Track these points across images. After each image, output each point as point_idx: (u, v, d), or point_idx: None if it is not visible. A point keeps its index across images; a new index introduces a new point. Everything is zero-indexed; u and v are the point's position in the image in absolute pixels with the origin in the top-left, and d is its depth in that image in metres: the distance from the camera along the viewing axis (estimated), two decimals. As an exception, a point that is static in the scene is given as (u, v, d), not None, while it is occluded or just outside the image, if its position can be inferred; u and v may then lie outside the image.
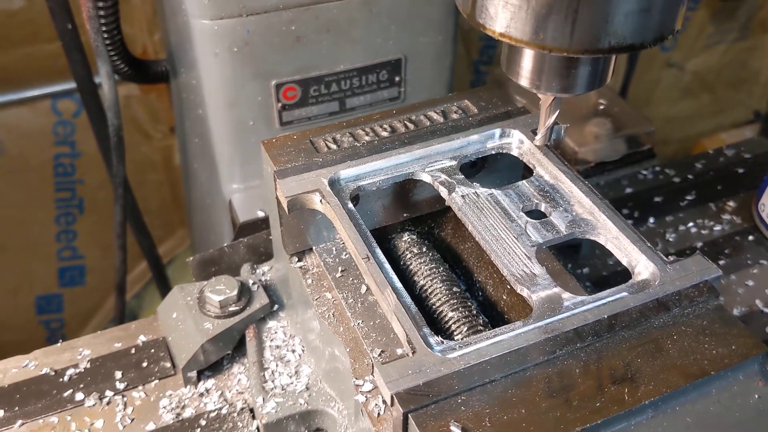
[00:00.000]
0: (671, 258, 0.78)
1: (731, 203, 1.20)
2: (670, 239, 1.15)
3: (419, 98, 1.33)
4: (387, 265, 0.78)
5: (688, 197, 1.22)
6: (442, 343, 0.72)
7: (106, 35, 1.34)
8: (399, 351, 0.79)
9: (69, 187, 2.30)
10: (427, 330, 0.73)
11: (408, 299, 0.75)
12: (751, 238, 1.15)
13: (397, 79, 1.29)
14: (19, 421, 0.93)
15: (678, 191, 1.22)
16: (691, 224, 1.17)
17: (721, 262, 1.11)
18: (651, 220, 1.18)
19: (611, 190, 1.23)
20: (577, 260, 1.10)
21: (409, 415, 0.66)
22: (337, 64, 1.24)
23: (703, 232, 1.16)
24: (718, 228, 1.16)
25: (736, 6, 2.52)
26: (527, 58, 0.70)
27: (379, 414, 0.76)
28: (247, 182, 1.30)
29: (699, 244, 1.14)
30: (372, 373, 0.77)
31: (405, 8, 1.23)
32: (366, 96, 1.29)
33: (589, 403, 0.66)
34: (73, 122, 2.19)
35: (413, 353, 0.70)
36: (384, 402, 0.75)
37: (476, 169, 0.98)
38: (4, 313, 2.34)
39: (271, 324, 1.02)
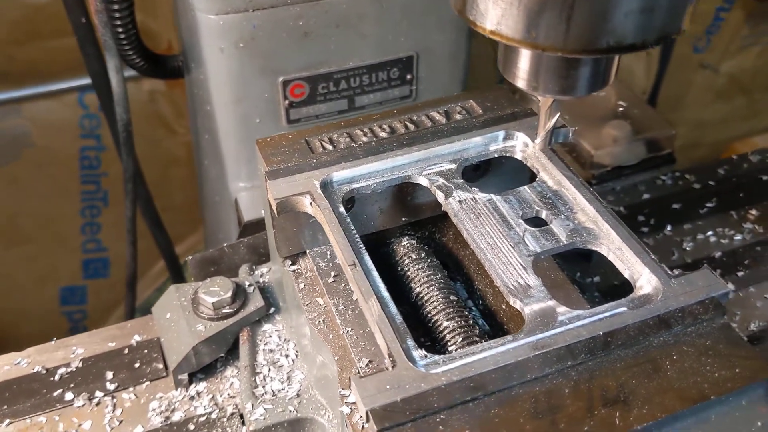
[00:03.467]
0: (676, 272, 0.73)
1: (753, 212, 1.14)
2: (687, 248, 1.10)
3: (432, 97, 1.29)
4: (374, 273, 0.75)
5: (709, 204, 1.16)
6: (426, 357, 0.68)
7: (120, 30, 1.33)
8: (386, 361, 0.76)
9: (94, 180, 2.32)
10: (411, 342, 0.69)
11: (393, 309, 0.72)
12: (773, 249, 1.09)
13: (408, 76, 1.25)
14: (7, 420, 0.92)
15: (698, 198, 1.17)
16: (710, 233, 1.11)
17: (740, 274, 1.05)
18: (668, 227, 1.13)
19: (627, 196, 1.18)
20: (588, 269, 1.05)
21: (384, 433, 0.63)
22: (347, 61, 1.21)
23: (722, 241, 1.10)
24: (738, 237, 1.11)
25: (772, 8, 2.44)
26: (523, 58, 0.66)
27: (363, 426, 0.73)
28: (253, 181, 1.28)
29: (717, 254, 1.08)
30: (349, 387, 0.74)
31: (417, 4, 1.19)
32: (376, 94, 1.25)
33: (577, 426, 0.62)
34: (99, 116, 2.20)
35: (393, 367, 0.67)
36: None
37: (480, 172, 0.94)
38: (28, 303, 2.37)
39: (266, 327, 1.00)
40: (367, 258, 0.77)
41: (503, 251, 0.77)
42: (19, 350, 1.01)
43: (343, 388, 0.77)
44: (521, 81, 0.68)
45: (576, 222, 0.80)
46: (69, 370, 0.98)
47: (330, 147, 0.88)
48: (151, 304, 1.03)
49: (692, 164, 1.26)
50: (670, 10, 0.58)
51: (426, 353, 0.69)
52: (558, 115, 0.75)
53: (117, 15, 1.31)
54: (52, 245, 2.33)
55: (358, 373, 0.76)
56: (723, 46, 2.51)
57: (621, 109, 1.25)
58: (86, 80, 2.14)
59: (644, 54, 2.37)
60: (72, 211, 2.32)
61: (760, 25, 2.50)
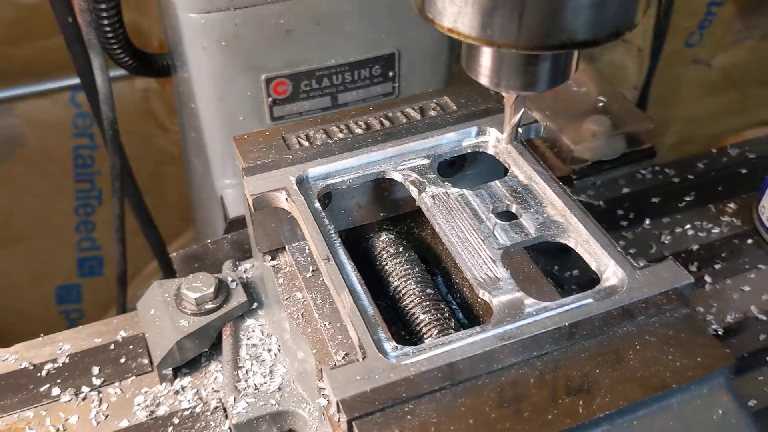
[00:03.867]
0: (641, 263, 0.75)
1: (731, 205, 1.16)
2: (666, 241, 1.11)
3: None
4: (348, 267, 0.77)
5: (687, 198, 1.17)
6: (397, 348, 0.70)
7: (108, 29, 1.34)
8: (358, 353, 0.77)
9: (88, 178, 2.33)
10: (382, 334, 0.71)
11: (366, 302, 0.73)
12: (750, 241, 1.10)
13: (390, 74, 1.27)
14: (-5, 416, 0.93)
15: (677, 192, 1.18)
16: (688, 226, 1.13)
17: (717, 266, 1.07)
18: (647, 221, 1.14)
19: (607, 190, 1.19)
20: (567, 262, 1.06)
21: (353, 423, 0.64)
22: (329, 58, 1.22)
23: (700, 234, 1.12)
24: (716, 230, 1.12)
25: (764, 1, 2.44)
26: (484, 56, 0.67)
27: (339, 419, 0.75)
28: (238, 178, 1.28)
29: (695, 247, 1.10)
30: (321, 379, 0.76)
31: (399, 1, 1.20)
32: (359, 91, 1.27)
33: (541, 414, 0.64)
34: (92, 114, 2.21)
35: (364, 358, 0.68)
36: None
37: (455, 167, 0.96)
38: (25, 302, 2.38)
39: (249, 322, 1.01)
40: (341, 252, 0.78)
41: (473, 244, 0.78)
42: (17, 350, 1.02)
43: (320, 381, 0.78)
44: (484, 78, 0.69)
45: (545, 216, 0.81)
46: (56, 365, 0.99)
47: (306, 143, 0.90)
48: (146, 303, 1.05)
49: (674, 158, 1.27)
50: (621, 5, 0.60)
51: (397, 345, 0.70)
52: (523, 110, 0.77)
53: (104, 15, 1.32)
54: (47, 244, 2.34)
55: (335, 365, 0.78)
56: (715, 41, 2.52)
57: (601, 104, 1.26)
58: (78, 79, 2.16)
59: (635, 49, 2.37)
60: (66, 209, 2.33)
61: (752, 20, 2.50)
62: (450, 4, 0.60)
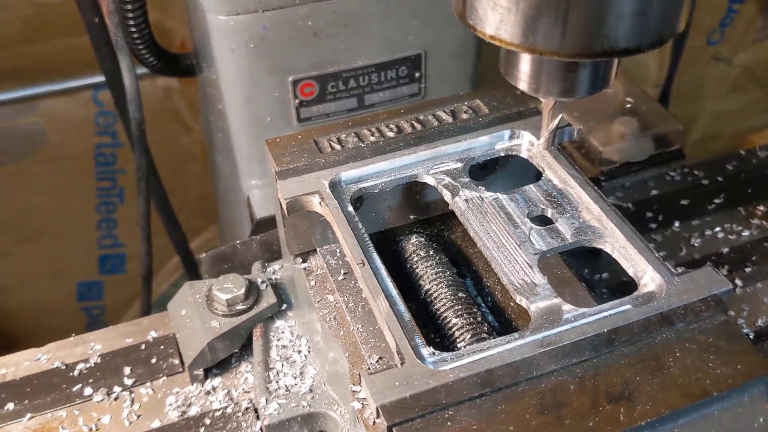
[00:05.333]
0: (680, 270, 0.75)
1: (762, 207, 1.15)
2: (695, 244, 1.10)
3: (441, 94, 1.29)
4: (383, 271, 0.77)
5: (717, 200, 1.16)
6: (434, 354, 0.70)
7: (134, 29, 1.35)
8: (395, 359, 0.77)
9: (110, 176, 2.34)
10: (419, 340, 0.71)
11: (401, 307, 0.73)
12: (781, 244, 1.10)
13: (417, 74, 1.27)
14: (28, 415, 0.94)
15: (706, 194, 1.17)
16: (718, 229, 1.12)
17: (748, 270, 1.06)
18: (676, 224, 1.13)
19: (636, 192, 1.19)
20: (597, 265, 1.06)
21: (393, 429, 0.64)
22: (356, 60, 1.22)
23: (730, 237, 1.11)
24: (746, 233, 1.11)
25: (787, -1, 2.42)
26: (524, 62, 0.67)
27: (374, 422, 0.75)
28: (265, 179, 1.30)
29: (725, 250, 1.09)
30: (360, 383, 0.76)
31: (424, 2, 1.20)
32: (385, 92, 1.27)
33: (582, 421, 0.64)
34: (114, 112, 2.21)
35: (402, 364, 0.68)
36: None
37: (487, 170, 0.96)
38: (46, 298, 2.40)
39: (279, 323, 1.01)
40: (375, 256, 0.79)
41: (509, 249, 0.78)
42: (38, 345, 1.03)
43: (353, 384, 0.78)
44: (523, 83, 0.69)
45: (581, 220, 0.81)
46: (88, 365, 1.00)
47: (338, 147, 0.90)
48: (166, 299, 1.05)
49: (703, 159, 1.26)
50: (664, 13, 0.59)
51: (434, 350, 0.70)
52: (561, 116, 0.76)
53: (130, 15, 1.33)
54: (69, 241, 2.35)
55: (369, 369, 0.78)
56: (737, 39, 2.50)
57: (629, 105, 1.26)
58: (100, 78, 2.16)
59: (656, 47, 2.35)
60: (88, 207, 2.34)
61: (774, 17, 2.48)
62: (492, 12, 0.60)
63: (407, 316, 0.73)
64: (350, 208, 0.83)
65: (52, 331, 1.13)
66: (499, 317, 0.92)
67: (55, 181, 2.24)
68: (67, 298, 2.45)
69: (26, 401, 0.96)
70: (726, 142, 2.67)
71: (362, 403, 0.76)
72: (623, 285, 1.05)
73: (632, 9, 0.57)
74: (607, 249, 0.78)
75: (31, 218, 2.27)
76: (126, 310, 2.51)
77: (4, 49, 2.02)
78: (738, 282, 1.05)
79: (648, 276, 0.75)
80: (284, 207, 0.83)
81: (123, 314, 2.51)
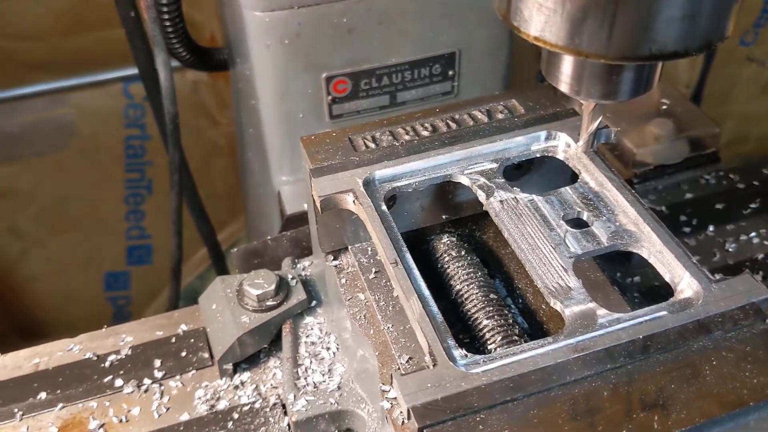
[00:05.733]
0: (717, 276, 0.73)
1: (799, 213, 1.13)
2: (730, 249, 1.09)
3: (473, 93, 1.29)
4: (416, 272, 0.77)
5: (753, 205, 1.15)
6: (466, 356, 0.70)
7: (168, 23, 1.36)
8: (426, 359, 0.77)
9: (138, 168, 2.36)
10: (451, 342, 0.71)
11: (434, 308, 0.73)
12: (818, 251, 1.08)
13: (450, 73, 1.26)
14: (60, 404, 0.95)
15: (742, 198, 1.16)
16: (753, 234, 1.10)
17: (782, 277, 1.05)
18: (710, 228, 1.12)
19: (670, 195, 1.18)
20: (628, 268, 1.05)
21: (424, 431, 0.64)
22: (389, 57, 1.22)
23: (766, 242, 1.09)
24: (782, 239, 1.10)
25: (822, 1, 2.38)
26: (566, 63, 0.66)
27: (403, 422, 0.75)
28: (296, 174, 1.30)
29: (760, 256, 1.08)
30: (391, 383, 0.76)
31: (460, 1, 1.19)
32: (418, 90, 1.26)
33: (615, 428, 0.63)
34: (144, 105, 2.24)
35: (434, 366, 0.68)
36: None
37: (522, 171, 0.95)
38: (74, 286, 2.43)
39: (308, 320, 1.02)
40: (408, 256, 0.78)
41: (544, 252, 0.78)
42: (65, 333, 1.04)
43: (383, 384, 0.78)
44: (564, 85, 0.68)
45: (617, 224, 0.80)
46: (119, 357, 1.01)
47: (373, 145, 0.90)
48: (193, 290, 1.06)
49: (738, 162, 1.24)
50: (713, 17, 0.58)
51: (466, 353, 0.70)
52: (600, 118, 0.75)
53: (165, 9, 1.34)
54: (97, 231, 2.38)
55: (399, 369, 0.78)
56: (771, 40, 2.47)
57: (664, 107, 1.24)
58: (131, 70, 2.17)
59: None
60: (116, 198, 2.37)
61: (808, 18, 2.44)
62: (537, 13, 0.59)
63: (440, 317, 0.72)
64: (384, 207, 0.83)
65: (78, 320, 1.14)
66: (530, 319, 0.92)
67: (87, 172, 2.27)
68: (95, 288, 2.48)
69: (58, 391, 0.97)
70: (754, 145, 2.64)
71: (391, 403, 0.76)
72: (655, 289, 1.04)
73: (682, 12, 0.56)
74: (644, 254, 0.78)
75: (65, 208, 2.31)
76: (152, 301, 2.54)
77: (40, 41, 2.04)
78: (774, 289, 1.03)
79: (685, 282, 0.74)
80: (318, 204, 0.84)
81: (149, 305, 2.53)
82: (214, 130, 2.35)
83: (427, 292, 0.74)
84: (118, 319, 2.59)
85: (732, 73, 2.51)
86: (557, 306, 0.73)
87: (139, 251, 2.49)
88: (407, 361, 0.78)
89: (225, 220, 2.46)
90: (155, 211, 2.41)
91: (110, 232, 2.40)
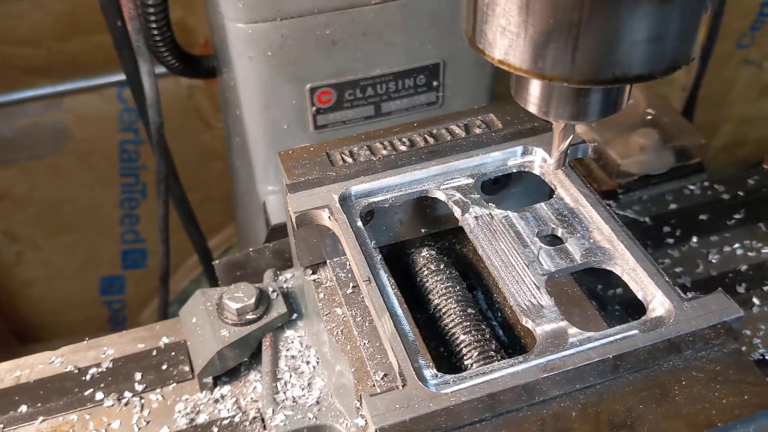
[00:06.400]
0: (690, 294, 0.73)
1: (783, 224, 1.13)
2: (713, 260, 1.09)
3: (458, 103, 1.29)
4: (389, 289, 0.77)
5: (737, 216, 1.14)
6: (437, 376, 0.70)
7: (156, 31, 1.36)
8: (398, 381, 0.77)
9: (133, 172, 2.36)
10: (423, 361, 0.71)
11: (406, 327, 0.73)
12: (802, 263, 1.08)
13: (435, 83, 1.26)
14: (41, 418, 0.95)
15: (726, 209, 1.15)
16: (737, 245, 1.10)
17: (766, 288, 1.04)
18: (694, 239, 1.12)
19: (654, 206, 1.17)
20: (610, 280, 1.05)
21: (392, 452, 0.64)
22: (374, 68, 1.22)
23: (749, 254, 1.09)
24: (765, 250, 1.09)
25: (819, 3, 2.37)
26: (533, 85, 0.66)
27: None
28: (281, 185, 1.30)
29: (743, 267, 1.07)
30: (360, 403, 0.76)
31: (444, 12, 1.19)
32: (403, 100, 1.26)
33: (583, 450, 0.63)
34: (139, 115, 2.24)
35: (404, 386, 0.68)
36: (378, 430, 0.74)
37: (500, 185, 0.95)
38: (69, 291, 2.43)
39: (289, 333, 1.01)
40: (382, 273, 0.78)
41: (517, 269, 0.78)
42: (60, 338, 1.04)
43: (358, 400, 0.78)
44: (533, 106, 0.68)
45: (591, 241, 0.80)
46: (100, 370, 1.01)
47: (350, 160, 0.90)
48: (187, 295, 1.06)
49: (724, 174, 1.24)
50: (678, 40, 0.58)
51: (437, 372, 0.70)
52: (571, 137, 0.75)
53: (152, 18, 1.33)
54: (92, 235, 2.39)
55: (374, 385, 0.78)
56: (767, 42, 2.46)
57: (649, 117, 1.24)
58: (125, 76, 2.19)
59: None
60: (111, 202, 2.37)
61: (805, 21, 2.43)
62: (501, 37, 0.59)
63: (412, 336, 0.72)
64: (359, 224, 0.83)
65: (75, 325, 1.14)
66: (509, 333, 0.91)
67: (82, 176, 2.27)
68: (90, 292, 2.48)
69: (39, 404, 0.97)
70: (751, 148, 2.63)
71: (365, 420, 0.76)
72: (636, 301, 1.03)
73: (646, 35, 0.56)
74: (617, 271, 0.77)
75: (61, 212, 2.31)
76: (146, 305, 2.54)
77: (36, 45, 2.05)
78: (756, 300, 1.03)
79: (657, 300, 0.74)
80: (293, 221, 0.84)
81: (143, 309, 2.54)
82: (210, 134, 2.35)
83: (399, 311, 0.75)
84: (113, 323, 2.60)
85: (729, 75, 2.50)
86: (529, 324, 0.73)
87: (133, 255, 2.50)
88: (382, 378, 0.78)
89: (220, 223, 2.46)
90: (150, 215, 2.40)
91: (105, 236, 2.41)
